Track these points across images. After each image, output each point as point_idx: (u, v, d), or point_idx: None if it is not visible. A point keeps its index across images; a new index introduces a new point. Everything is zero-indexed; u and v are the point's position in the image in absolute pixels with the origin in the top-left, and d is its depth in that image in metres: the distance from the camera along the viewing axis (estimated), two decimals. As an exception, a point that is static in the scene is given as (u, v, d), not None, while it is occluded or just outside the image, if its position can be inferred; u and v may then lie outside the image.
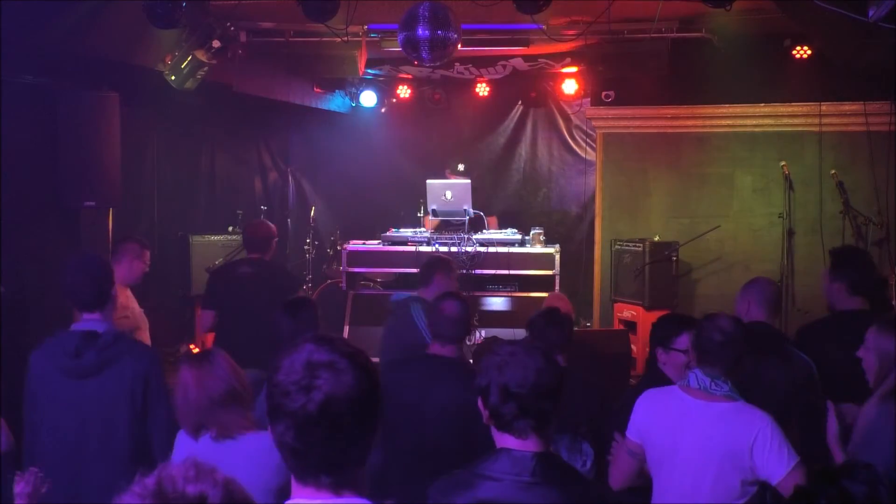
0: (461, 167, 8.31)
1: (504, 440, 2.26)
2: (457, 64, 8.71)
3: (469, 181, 7.82)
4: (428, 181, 7.65)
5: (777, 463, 2.85)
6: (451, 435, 3.51)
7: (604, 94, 8.52)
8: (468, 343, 7.06)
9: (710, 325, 3.05)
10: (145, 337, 5.25)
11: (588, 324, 8.53)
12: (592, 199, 9.03)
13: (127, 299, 5.07)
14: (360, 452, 1.61)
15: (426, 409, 3.56)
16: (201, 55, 6.84)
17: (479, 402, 2.31)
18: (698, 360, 3.07)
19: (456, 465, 3.50)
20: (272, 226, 5.97)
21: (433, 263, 5.24)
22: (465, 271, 7.21)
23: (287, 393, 1.55)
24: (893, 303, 6.34)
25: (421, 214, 7.87)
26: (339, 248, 8.22)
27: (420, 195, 7.86)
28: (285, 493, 1.66)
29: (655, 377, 3.59)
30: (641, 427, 3.17)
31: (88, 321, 3.33)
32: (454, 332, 3.73)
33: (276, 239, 5.86)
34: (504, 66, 8.79)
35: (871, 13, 4.57)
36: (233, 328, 5.38)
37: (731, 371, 3.02)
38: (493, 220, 8.14)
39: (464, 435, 3.54)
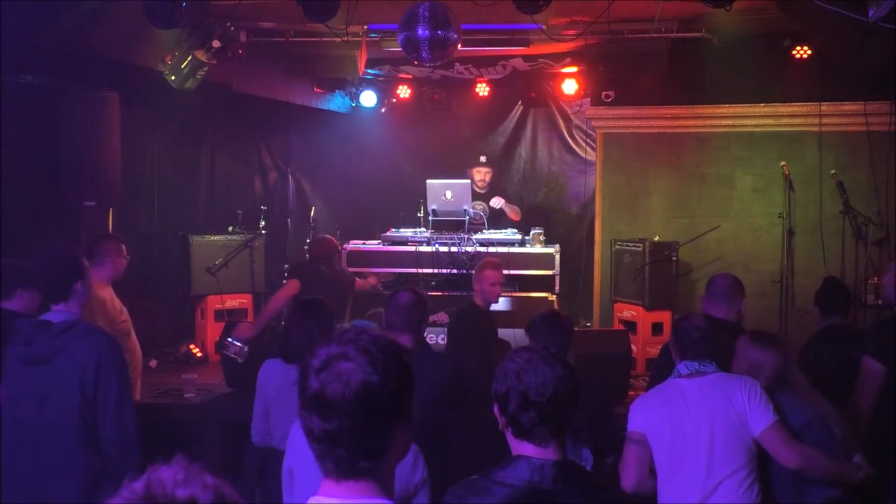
0: (483, 158, 8.32)
1: (522, 447, 2.24)
2: (457, 64, 8.71)
3: (469, 181, 7.83)
4: (428, 181, 7.65)
5: (763, 414, 3.20)
6: (426, 427, 3.49)
7: (604, 94, 8.51)
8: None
9: (685, 324, 3.45)
10: (133, 338, 5.24)
11: (588, 324, 8.53)
12: (592, 199, 9.03)
13: (114, 300, 5.08)
14: (369, 449, 1.60)
15: None
16: (201, 55, 6.85)
17: (496, 409, 2.29)
18: (681, 355, 3.39)
19: (435, 458, 3.52)
20: (334, 241, 7.02)
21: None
22: (465, 271, 7.22)
23: (304, 375, 1.61)
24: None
25: (421, 214, 7.87)
26: (339, 247, 8.23)
27: (420, 195, 7.86)
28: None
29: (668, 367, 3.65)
30: (643, 418, 3.33)
31: (54, 312, 3.44)
32: (406, 318, 3.76)
33: (339, 251, 7.04)
34: (504, 66, 8.80)
35: (871, 13, 4.58)
36: None
37: (712, 355, 3.38)
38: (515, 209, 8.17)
39: (440, 422, 3.56)
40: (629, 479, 3.31)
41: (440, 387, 3.66)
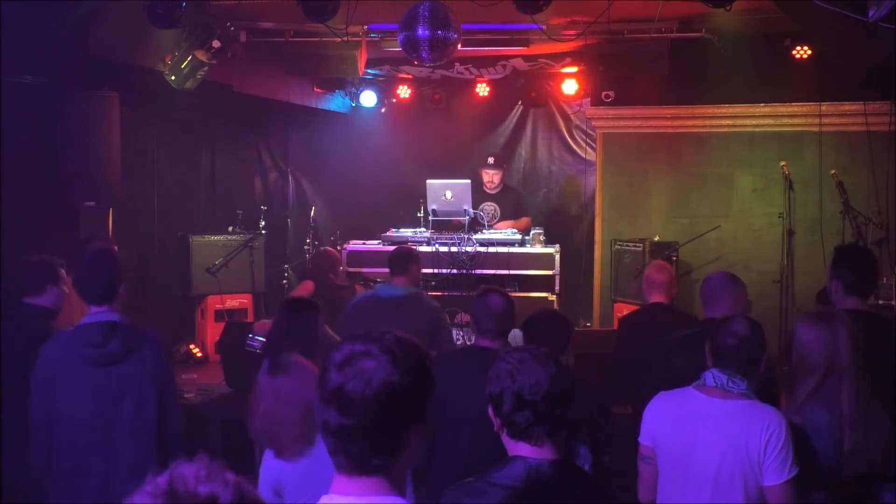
0: (491, 160, 8.31)
1: (518, 448, 2.23)
2: (457, 64, 8.71)
3: (469, 181, 7.82)
4: (428, 181, 7.65)
5: (780, 468, 2.85)
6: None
7: (604, 94, 8.52)
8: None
9: (724, 329, 3.05)
10: None
11: (588, 324, 8.53)
12: (592, 199, 9.04)
13: None
14: (383, 447, 1.61)
15: (469, 406, 3.45)
16: (201, 55, 6.84)
17: (490, 411, 2.28)
18: (713, 362, 3.05)
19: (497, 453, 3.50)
20: (335, 252, 7.28)
21: (410, 255, 5.51)
22: (465, 271, 7.21)
23: (325, 369, 1.62)
24: (893, 303, 6.36)
25: (421, 214, 7.88)
26: (339, 248, 8.23)
27: (420, 195, 7.86)
28: None
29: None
30: (653, 430, 3.11)
31: (97, 314, 3.40)
32: (499, 325, 3.74)
33: (340, 262, 7.29)
34: (504, 66, 8.80)
35: (871, 13, 4.57)
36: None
37: (746, 372, 3.01)
38: (527, 220, 8.12)
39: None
40: (643, 497, 3.20)
41: None
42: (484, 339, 3.76)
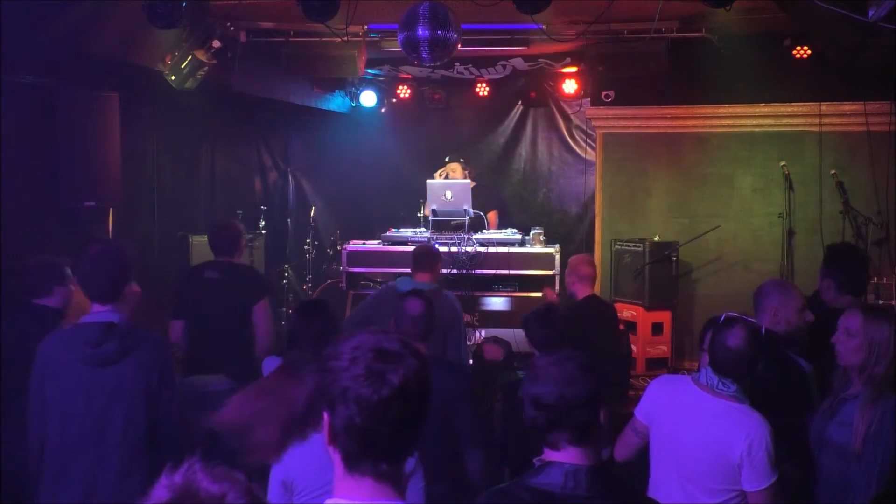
0: (447, 157, 8.32)
1: (551, 453, 2.24)
2: (457, 64, 8.71)
3: (469, 181, 7.82)
4: (428, 181, 7.65)
5: (759, 476, 2.93)
6: (432, 430, 3.50)
7: (604, 94, 8.52)
8: (469, 343, 7.10)
9: (721, 336, 3.06)
10: None
11: (588, 324, 8.52)
12: (592, 199, 9.04)
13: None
14: (413, 441, 1.64)
15: None
16: (201, 55, 6.84)
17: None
18: (710, 362, 3.12)
19: (439, 460, 3.52)
20: (239, 225, 5.42)
21: (434, 252, 5.53)
22: (465, 271, 7.21)
23: (357, 377, 1.58)
24: (893, 303, 6.36)
25: (421, 214, 7.87)
26: (339, 248, 8.23)
27: (420, 195, 7.86)
28: None
29: None
30: (650, 409, 3.22)
31: (100, 312, 3.39)
32: (420, 329, 3.76)
33: (244, 238, 5.43)
34: (504, 66, 8.80)
35: (871, 13, 4.57)
36: (200, 336, 5.00)
37: (740, 378, 3.07)
38: (493, 214, 8.14)
39: (444, 427, 3.60)
40: (620, 455, 3.33)
41: (451, 399, 3.64)
42: None
